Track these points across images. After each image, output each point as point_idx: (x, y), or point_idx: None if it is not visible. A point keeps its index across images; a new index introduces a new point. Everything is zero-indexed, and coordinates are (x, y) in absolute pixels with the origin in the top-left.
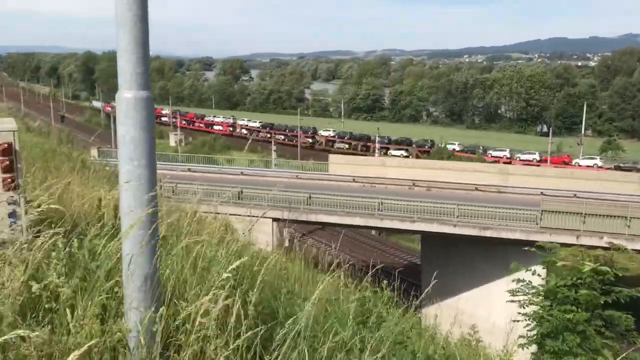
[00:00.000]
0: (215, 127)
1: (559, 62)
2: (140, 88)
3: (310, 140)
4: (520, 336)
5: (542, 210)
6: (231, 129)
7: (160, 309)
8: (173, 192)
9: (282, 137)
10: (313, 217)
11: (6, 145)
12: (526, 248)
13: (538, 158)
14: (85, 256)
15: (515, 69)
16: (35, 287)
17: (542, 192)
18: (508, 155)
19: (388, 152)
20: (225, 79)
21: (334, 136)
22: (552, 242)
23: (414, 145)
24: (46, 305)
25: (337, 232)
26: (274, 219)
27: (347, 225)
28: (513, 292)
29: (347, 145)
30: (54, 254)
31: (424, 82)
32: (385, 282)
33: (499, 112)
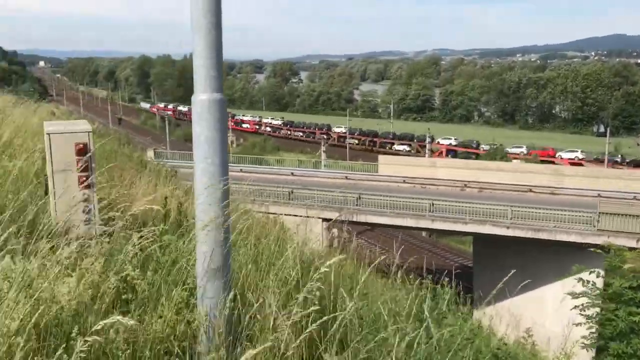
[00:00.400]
0: (244, 125)
1: (617, 60)
2: (214, 91)
3: (325, 137)
4: (582, 337)
5: (599, 213)
6: (257, 126)
7: (230, 299)
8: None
9: (301, 134)
10: (363, 218)
11: (82, 145)
12: (591, 249)
13: (525, 151)
14: (157, 250)
15: (571, 67)
16: (113, 279)
17: (599, 194)
18: (524, 152)
19: (392, 146)
20: (275, 81)
21: (344, 132)
22: (617, 246)
23: (415, 140)
24: (123, 296)
25: (386, 233)
26: (324, 219)
27: (397, 226)
28: (574, 295)
29: (356, 141)
30: (130, 247)
31: (475, 82)
32: (446, 280)
33: (553, 112)
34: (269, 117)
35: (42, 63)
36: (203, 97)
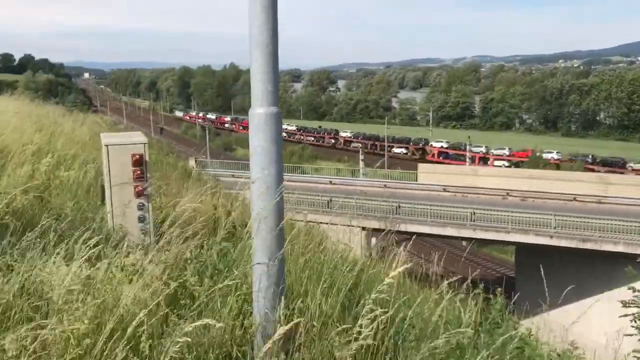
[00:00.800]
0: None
1: None
2: (271, 104)
3: (333, 141)
4: (634, 350)
5: None
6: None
7: (282, 307)
8: None
9: (312, 138)
10: (402, 227)
11: (138, 156)
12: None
13: (507, 153)
14: (215, 257)
15: (615, 72)
16: (172, 285)
17: None
18: (484, 151)
19: (392, 149)
20: (313, 90)
21: (350, 137)
22: None
23: (411, 144)
24: (182, 302)
25: (425, 242)
26: (363, 228)
27: (438, 235)
28: (625, 303)
29: (360, 144)
30: (188, 254)
31: (516, 89)
32: (499, 289)
33: (598, 118)
34: (285, 124)
35: (86, 75)
36: (260, 111)
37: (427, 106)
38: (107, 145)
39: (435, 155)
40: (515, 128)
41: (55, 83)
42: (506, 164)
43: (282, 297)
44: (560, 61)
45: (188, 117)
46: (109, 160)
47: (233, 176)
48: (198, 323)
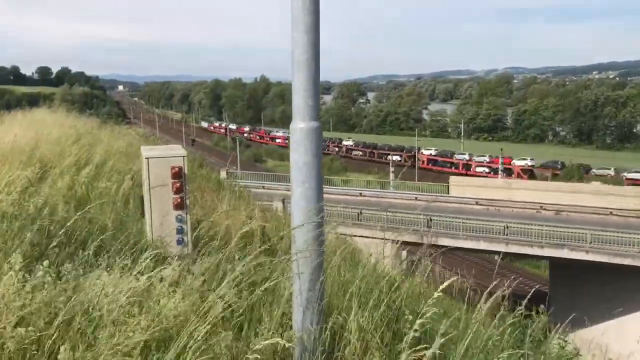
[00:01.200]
0: (277, 140)
1: None
2: (312, 119)
3: (337, 149)
4: None
5: None
6: (287, 141)
7: (324, 321)
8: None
9: None
10: (434, 240)
11: (177, 169)
12: None
13: (488, 160)
14: (252, 270)
15: None
16: (211, 297)
17: None
18: (467, 158)
19: (387, 157)
20: (343, 102)
21: (352, 145)
22: None
23: (404, 152)
24: (221, 315)
25: (456, 256)
26: (394, 241)
27: (471, 249)
28: None
29: (360, 153)
30: (229, 267)
31: (549, 101)
32: (541, 307)
33: (634, 131)
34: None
35: (121, 87)
36: (302, 125)
37: (458, 118)
38: (147, 158)
39: (425, 162)
40: (548, 140)
41: (91, 95)
42: (487, 169)
43: (323, 312)
44: (595, 72)
45: (212, 127)
46: (149, 173)
47: (263, 187)
48: (269, 342)
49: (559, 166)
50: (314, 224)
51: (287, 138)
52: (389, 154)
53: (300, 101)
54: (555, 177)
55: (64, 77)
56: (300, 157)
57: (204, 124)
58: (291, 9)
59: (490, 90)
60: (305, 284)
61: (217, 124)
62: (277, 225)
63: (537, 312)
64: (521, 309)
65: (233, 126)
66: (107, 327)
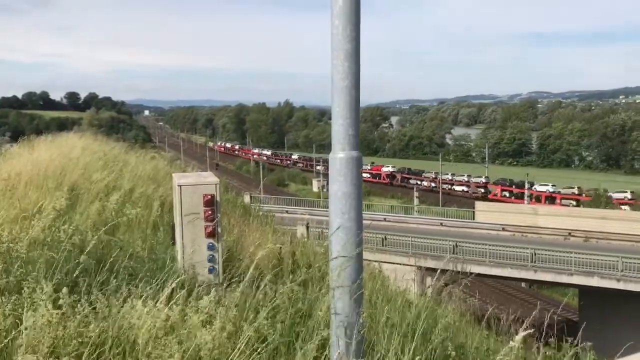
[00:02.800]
0: (298, 165)
1: None
2: (352, 148)
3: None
4: None
5: None
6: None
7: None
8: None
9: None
10: (460, 267)
11: (210, 196)
12: None
13: (466, 179)
14: (286, 301)
15: None
16: (246, 327)
17: None
18: (433, 176)
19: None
20: (366, 127)
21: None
22: None
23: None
24: (255, 346)
25: (482, 283)
26: (419, 267)
27: (497, 276)
28: None
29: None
30: (261, 296)
31: (574, 125)
32: (571, 339)
33: None
34: (296, 154)
35: (146, 112)
36: (341, 155)
37: (483, 142)
38: (180, 186)
39: (399, 180)
40: (574, 165)
41: (117, 120)
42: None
43: (362, 347)
44: (621, 97)
45: (223, 149)
46: (181, 200)
47: (287, 212)
48: None
49: (507, 183)
50: (354, 257)
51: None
52: (454, 184)
53: (340, 129)
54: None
55: (92, 102)
56: (340, 187)
57: (210, 144)
58: (331, 36)
59: (515, 114)
60: (344, 318)
61: (225, 144)
62: (302, 251)
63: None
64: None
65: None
66: (142, 358)
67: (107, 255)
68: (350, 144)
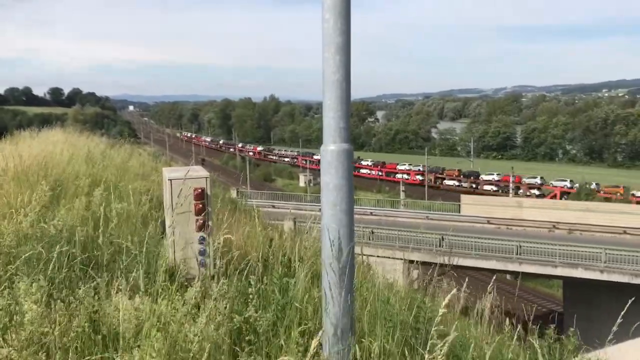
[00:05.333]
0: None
1: None
2: (343, 141)
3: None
4: None
5: None
6: (296, 159)
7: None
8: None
9: (287, 159)
10: (445, 260)
11: (200, 190)
12: None
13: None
14: (277, 292)
15: None
16: (237, 319)
17: None
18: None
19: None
20: (352, 121)
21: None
22: None
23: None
24: (246, 337)
25: (468, 275)
26: (405, 260)
27: (482, 269)
28: None
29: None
30: (250, 289)
31: (558, 119)
32: (571, 329)
33: None
34: (284, 149)
35: (131, 107)
36: (332, 148)
37: (468, 136)
38: (170, 180)
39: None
40: (558, 158)
41: (102, 116)
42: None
43: (354, 335)
44: (604, 90)
45: (186, 138)
46: (171, 194)
47: (273, 207)
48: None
49: (440, 171)
50: (345, 246)
51: (296, 157)
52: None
53: (331, 122)
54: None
55: (76, 97)
56: (331, 179)
57: (178, 134)
58: (322, 29)
59: (500, 108)
60: (334, 308)
61: (187, 134)
62: (292, 244)
63: (568, 336)
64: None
65: (208, 138)
66: (127, 351)
67: (97, 249)
68: (341, 137)
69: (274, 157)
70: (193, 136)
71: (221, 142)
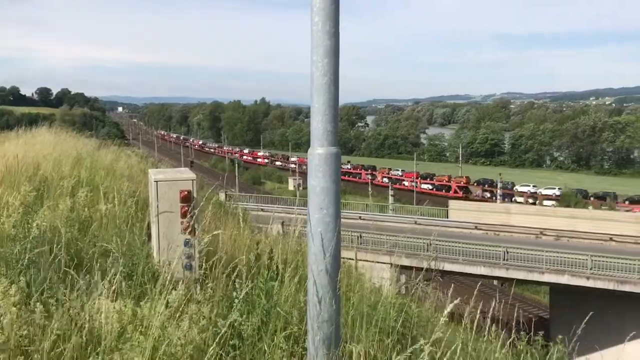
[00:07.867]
0: (259, 160)
1: None
2: (331, 144)
3: (304, 167)
4: None
5: None
6: (267, 160)
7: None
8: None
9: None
10: (433, 265)
11: (186, 192)
12: None
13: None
14: (262, 297)
15: None
16: (220, 323)
17: None
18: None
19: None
20: (342, 125)
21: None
22: None
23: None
24: (230, 342)
25: (455, 280)
26: (393, 265)
27: (470, 274)
28: None
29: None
30: (234, 294)
31: (546, 126)
32: (560, 337)
33: (632, 156)
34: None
35: (120, 109)
36: (320, 151)
37: (456, 142)
38: (156, 182)
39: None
40: (546, 165)
41: (90, 116)
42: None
43: (340, 340)
44: (592, 98)
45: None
46: (157, 196)
47: (262, 210)
48: None
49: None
50: (330, 250)
51: (267, 157)
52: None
53: (319, 125)
54: None
55: (64, 98)
56: (318, 182)
57: (174, 135)
58: (311, 32)
59: (488, 115)
60: (319, 310)
61: (165, 133)
62: (279, 247)
63: (557, 342)
64: (538, 338)
65: (211, 143)
66: (108, 354)
67: (81, 250)
68: (329, 140)
69: (281, 164)
70: (182, 137)
71: (225, 147)
